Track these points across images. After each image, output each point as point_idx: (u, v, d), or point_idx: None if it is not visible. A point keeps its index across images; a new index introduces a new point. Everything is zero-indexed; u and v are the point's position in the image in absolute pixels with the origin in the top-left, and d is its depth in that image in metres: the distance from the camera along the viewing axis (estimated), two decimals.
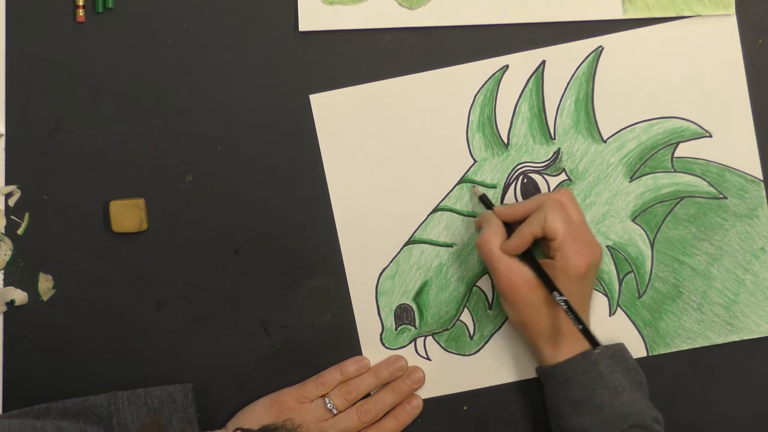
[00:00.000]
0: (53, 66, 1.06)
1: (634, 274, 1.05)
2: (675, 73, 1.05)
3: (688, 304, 1.06)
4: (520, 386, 1.06)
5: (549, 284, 0.98)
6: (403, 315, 1.06)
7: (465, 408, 1.07)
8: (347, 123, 1.05)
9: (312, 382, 1.05)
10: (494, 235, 1.00)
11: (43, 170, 1.06)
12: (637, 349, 1.05)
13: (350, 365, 1.05)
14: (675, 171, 1.05)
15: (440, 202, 1.06)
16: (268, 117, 1.06)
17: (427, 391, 1.06)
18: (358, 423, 1.04)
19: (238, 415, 1.04)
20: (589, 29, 1.05)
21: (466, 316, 1.06)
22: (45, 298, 1.07)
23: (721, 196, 1.05)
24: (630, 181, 1.05)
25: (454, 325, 1.06)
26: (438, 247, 1.06)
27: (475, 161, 1.06)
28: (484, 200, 1.04)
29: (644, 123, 1.05)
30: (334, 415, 1.04)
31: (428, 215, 1.06)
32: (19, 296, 1.06)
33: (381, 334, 1.07)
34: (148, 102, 1.06)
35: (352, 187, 1.06)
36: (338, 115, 1.05)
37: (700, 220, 1.05)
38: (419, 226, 1.06)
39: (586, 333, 0.96)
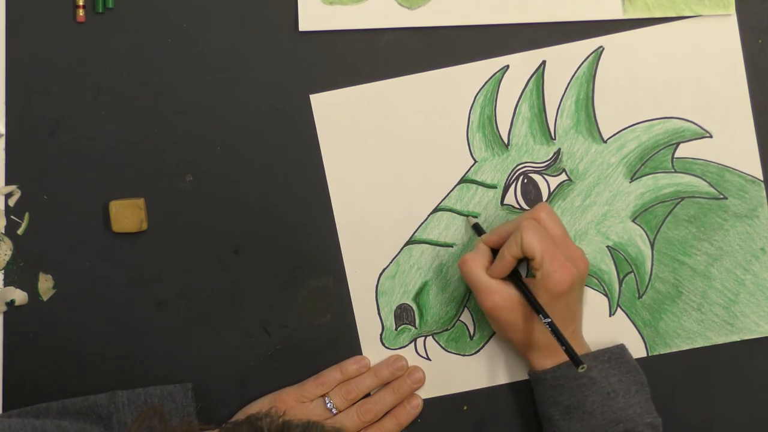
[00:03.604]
0: (53, 66, 1.06)
1: (634, 274, 1.05)
2: (675, 74, 1.04)
3: (688, 305, 1.06)
4: (520, 387, 1.06)
5: (534, 305, 0.97)
6: (403, 315, 1.06)
7: (465, 408, 1.07)
8: (347, 123, 1.05)
9: (312, 381, 1.05)
10: (475, 256, 1.00)
11: (43, 170, 1.06)
12: (637, 349, 1.05)
13: (350, 365, 1.05)
14: (675, 171, 1.05)
15: (440, 202, 1.06)
16: (268, 117, 1.06)
17: (427, 391, 1.06)
18: (358, 422, 1.04)
19: (237, 415, 1.04)
20: (590, 29, 1.05)
21: (466, 316, 1.06)
22: (45, 298, 1.07)
23: (721, 196, 1.05)
24: (630, 182, 1.05)
25: (454, 326, 1.06)
26: (438, 248, 1.06)
27: (476, 161, 1.06)
28: (477, 229, 1.04)
29: (645, 123, 1.05)
30: (334, 414, 1.04)
31: (428, 215, 1.06)
32: (19, 296, 1.06)
33: (381, 334, 1.07)
34: (148, 102, 1.06)
35: (352, 187, 1.06)
36: (338, 115, 1.05)
37: (700, 220, 1.05)
38: (419, 226, 1.06)
39: (570, 354, 0.95)
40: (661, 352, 1.06)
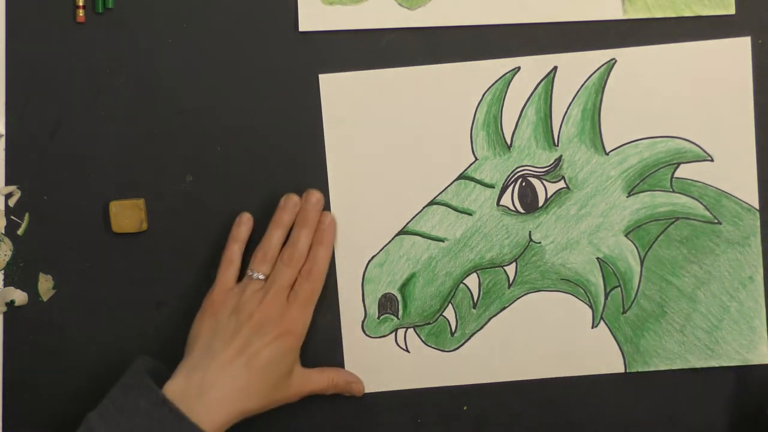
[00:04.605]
0: (53, 66, 1.06)
1: (621, 289, 1.05)
2: (685, 94, 1.04)
3: (671, 325, 1.06)
4: (520, 386, 1.06)
5: None
6: (387, 304, 1.06)
7: (465, 408, 1.07)
8: (353, 106, 1.05)
9: (220, 269, 1.03)
10: None
11: (43, 170, 1.06)
12: (616, 365, 1.05)
13: (239, 229, 1.04)
14: (673, 191, 1.04)
15: (437, 196, 1.06)
16: (268, 117, 1.06)
17: (400, 383, 1.07)
18: (290, 271, 1.02)
19: (187, 345, 1.02)
20: (596, 36, 1.04)
21: (449, 312, 1.06)
22: (45, 298, 1.07)
23: (716, 221, 1.05)
24: (627, 196, 1.05)
25: (436, 320, 1.06)
26: (429, 241, 1.06)
27: (476, 159, 1.06)
28: None
29: (648, 140, 1.04)
30: (263, 280, 1.02)
31: (423, 207, 1.06)
32: (19, 296, 1.06)
33: (363, 321, 1.07)
34: (148, 102, 1.06)
35: (351, 173, 1.05)
36: (346, 97, 1.05)
37: (693, 242, 1.05)
38: (413, 217, 1.06)
39: None
40: (639, 370, 1.06)
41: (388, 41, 1.05)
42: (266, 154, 1.06)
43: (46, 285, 1.06)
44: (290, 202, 1.04)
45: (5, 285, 1.07)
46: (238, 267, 1.04)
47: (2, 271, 1.07)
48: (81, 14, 1.06)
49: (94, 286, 1.07)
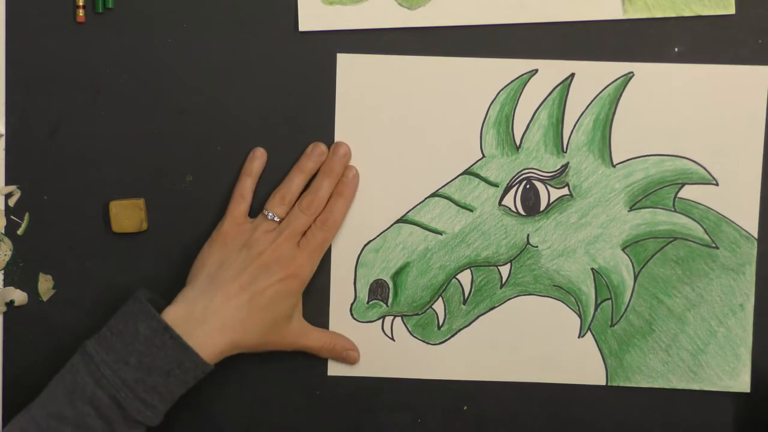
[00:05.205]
0: (53, 66, 1.06)
1: (612, 302, 1.05)
2: (698, 115, 1.04)
3: (657, 344, 1.06)
4: (520, 386, 1.07)
5: None
6: (378, 290, 1.06)
7: (465, 408, 1.07)
8: (368, 89, 1.05)
9: (231, 203, 1.04)
10: None
11: (43, 170, 1.06)
12: (598, 377, 1.06)
13: (251, 164, 1.04)
14: (675, 211, 1.05)
15: (440, 188, 1.06)
16: (268, 117, 1.06)
17: (381, 371, 1.07)
18: (306, 218, 1.03)
19: (191, 273, 1.03)
20: (593, 32, 1.04)
21: (439, 306, 1.06)
22: (45, 298, 1.07)
23: (714, 245, 1.05)
24: (629, 211, 1.05)
25: (425, 312, 1.06)
26: (427, 232, 1.06)
27: (484, 156, 1.06)
28: None
29: (656, 157, 1.05)
30: (278, 222, 1.03)
31: (425, 198, 1.06)
32: (19, 296, 1.06)
33: (352, 304, 1.07)
34: (148, 102, 1.06)
35: (356, 156, 1.05)
36: (361, 80, 1.05)
37: (688, 264, 1.05)
38: (414, 207, 1.06)
39: None
40: (621, 385, 1.06)
41: (387, 41, 1.05)
42: (267, 154, 1.06)
43: (46, 285, 1.07)
44: (317, 150, 1.05)
45: (5, 285, 1.07)
46: (249, 202, 1.04)
47: (2, 271, 1.07)
48: (81, 14, 1.06)
49: (94, 286, 1.07)
